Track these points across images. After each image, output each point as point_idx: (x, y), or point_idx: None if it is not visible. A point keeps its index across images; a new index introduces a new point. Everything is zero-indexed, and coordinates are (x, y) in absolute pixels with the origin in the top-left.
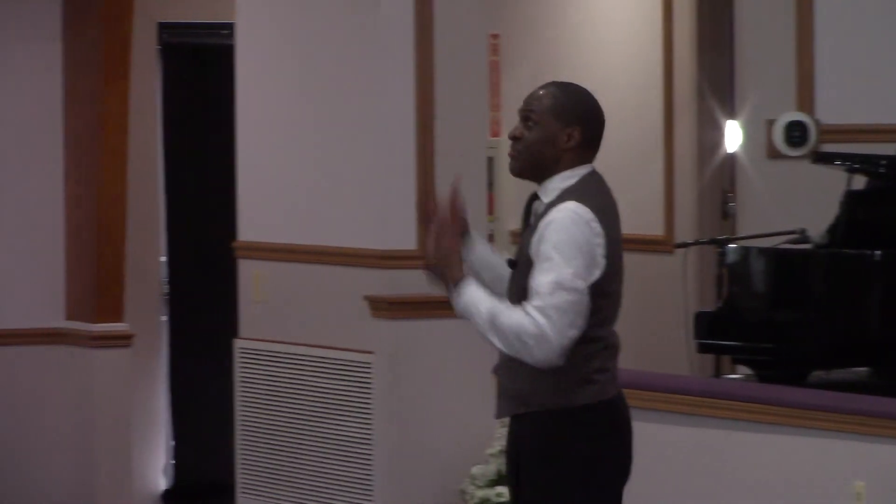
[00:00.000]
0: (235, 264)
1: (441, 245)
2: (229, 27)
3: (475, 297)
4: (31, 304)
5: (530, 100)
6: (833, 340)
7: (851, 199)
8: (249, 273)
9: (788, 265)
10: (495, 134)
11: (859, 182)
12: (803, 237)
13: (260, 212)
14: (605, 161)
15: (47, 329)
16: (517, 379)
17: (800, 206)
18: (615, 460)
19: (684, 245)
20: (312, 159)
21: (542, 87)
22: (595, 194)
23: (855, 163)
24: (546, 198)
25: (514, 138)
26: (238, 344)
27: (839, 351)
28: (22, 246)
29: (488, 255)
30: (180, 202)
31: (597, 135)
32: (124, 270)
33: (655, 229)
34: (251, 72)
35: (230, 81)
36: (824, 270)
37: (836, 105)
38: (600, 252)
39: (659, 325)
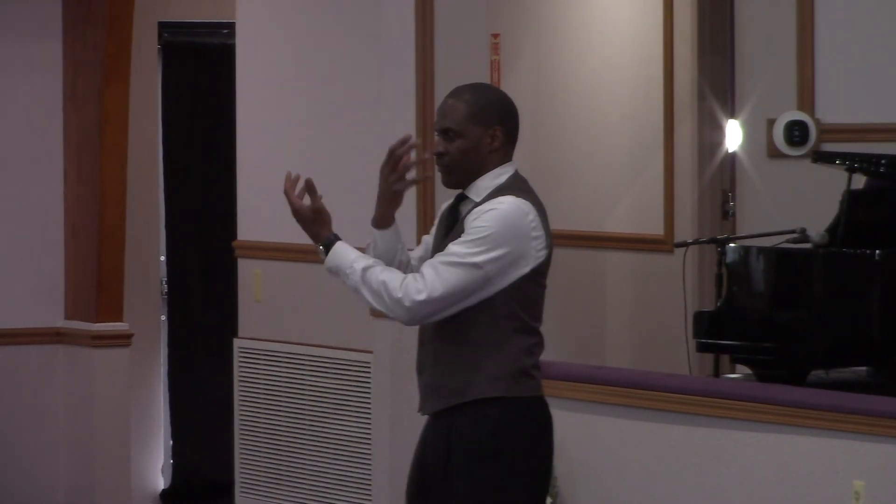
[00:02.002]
0: (235, 264)
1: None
2: (230, 27)
3: (347, 252)
4: (31, 304)
5: (445, 112)
6: (833, 340)
7: (851, 199)
8: (249, 272)
9: (788, 265)
10: None
11: (859, 182)
12: (803, 237)
13: (260, 211)
14: (606, 161)
15: (47, 329)
16: (455, 371)
17: (800, 205)
18: (548, 456)
19: (684, 244)
20: (312, 159)
21: (450, 96)
22: (530, 191)
23: (855, 162)
24: (477, 197)
25: (439, 154)
26: (238, 343)
27: (839, 350)
28: (22, 246)
29: (394, 250)
30: (180, 202)
31: (516, 128)
32: (124, 270)
33: (655, 229)
34: (251, 72)
35: (230, 81)
36: (824, 270)
37: (836, 105)
38: (536, 245)
39: (658, 325)
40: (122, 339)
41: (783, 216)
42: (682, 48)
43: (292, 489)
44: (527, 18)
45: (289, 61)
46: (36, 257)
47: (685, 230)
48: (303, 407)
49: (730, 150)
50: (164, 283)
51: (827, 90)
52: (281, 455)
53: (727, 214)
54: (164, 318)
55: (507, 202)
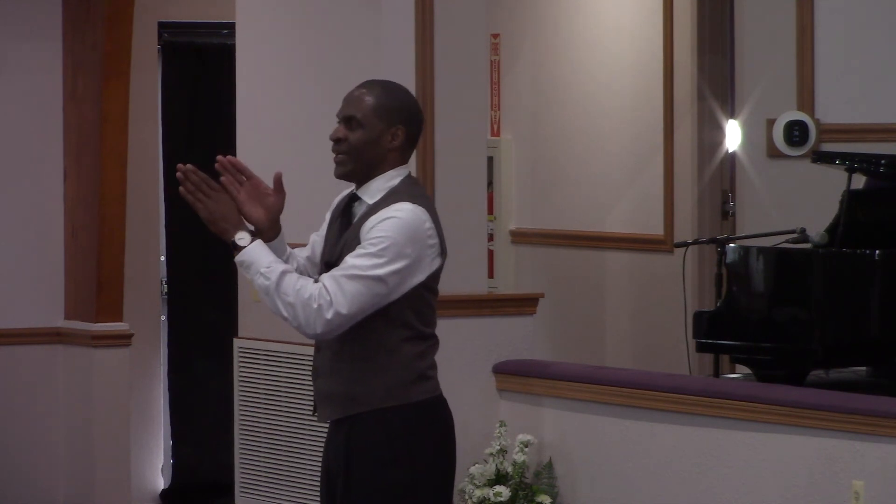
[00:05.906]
0: (235, 264)
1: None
2: (230, 27)
3: (267, 253)
4: (31, 304)
5: (351, 101)
6: (832, 340)
7: (851, 199)
8: None
9: (788, 265)
10: (495, 134)
11: (859, 182)
12: (803, 237)
13: None
14: (606, 161)
15: (47, 329)
16: (350, 380)
17: (800, 205)
18: (451, 454)
19: (684, 244)
20: (312, 159)
21: (360, 87)
22: (423, 196)
23: (855, 162)
24: (370, 198)
25: (337, 140)
26: (237, 343)
27: (838, 350)
28: (22, 246)
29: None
30: (180, 202)
31: (417, 134)
32: (124, 270)
33: (655, 229)
34: (251, 71)
35: (230, 81)
36: (824, 270)
37: (836, 105)
38: (431, 254)
39: (658, 325)
40: (122, 339)
41: (783, 216)
42: (682, 48)
43: (292, 489)
44: (527, 18)
45: (289, 61)
46: (36, 257)
47: (685, 230)
48: (303, 407)
49: (730, 150)
50: (164, 283)
51: (827, 90)
52: (281, 455)
53: (727, 214)
54: (164, 318)
55: (406, 210)
